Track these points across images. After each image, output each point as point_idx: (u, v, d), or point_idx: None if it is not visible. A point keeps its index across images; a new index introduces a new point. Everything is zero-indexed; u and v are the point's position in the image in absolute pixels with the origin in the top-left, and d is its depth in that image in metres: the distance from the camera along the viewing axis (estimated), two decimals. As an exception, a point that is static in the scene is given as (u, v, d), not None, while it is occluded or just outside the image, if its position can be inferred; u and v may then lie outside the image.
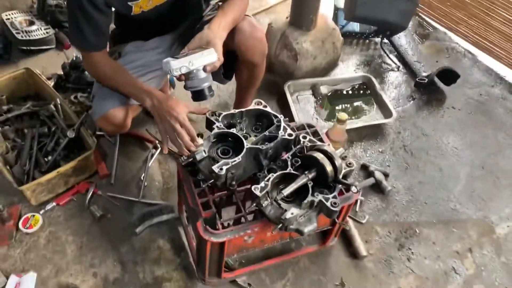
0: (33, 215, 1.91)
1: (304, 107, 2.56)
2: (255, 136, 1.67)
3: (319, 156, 1.52)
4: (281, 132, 1.62)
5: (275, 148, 1.61)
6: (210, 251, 1.58)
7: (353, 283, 1.86)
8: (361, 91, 2.68)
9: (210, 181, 1.54)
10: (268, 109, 1.73)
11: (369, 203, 2.15)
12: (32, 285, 1.73)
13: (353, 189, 1.52)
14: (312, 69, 2.64)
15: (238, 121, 1.70)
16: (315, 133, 1.84)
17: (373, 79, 2.66)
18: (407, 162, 2.34)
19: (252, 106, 1.73)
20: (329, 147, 1.56)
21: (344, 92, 2.68)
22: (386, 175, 2.24)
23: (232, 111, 1.69)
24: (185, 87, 1.53)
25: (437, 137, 2.48)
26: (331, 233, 1.88)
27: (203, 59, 1.44)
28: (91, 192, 2.02)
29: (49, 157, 2.05)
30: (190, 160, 1.58)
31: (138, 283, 1.78)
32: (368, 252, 1.96)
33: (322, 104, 2.60)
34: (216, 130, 1.61)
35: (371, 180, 2.19)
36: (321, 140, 1.81)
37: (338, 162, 1.53)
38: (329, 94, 2.64)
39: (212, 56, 1.45)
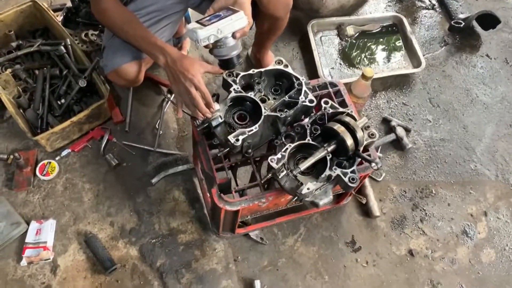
0: (49, 162, 1.92)
1: (327, 50, 2.41)
2: (274, 98, 1.58)
3: (340, 129, 1.43)
4: (301, 98, 1.52)
5: (294, 114, 1.54)
6: (224, 215, 1.60)
7: (364, 242, 1.89)
8: (390, 33, 2.48)
9: (226, 149, 1.50)
10: (289, 69, 1.61)
11: (387, 159, 2.10)
12: (52, 231, 1.79)
13: (374, 165, 1.46)
14: (339, 7, 2.43)
15: (257, 81, 1.59)
16: (338, 93, 1.74)
17: (404, 20, 2.45)
18: (431, 116, 2.24)
19: (272, 65, 1.61)
20: (351, 119, 1.47)
21: (372, 33, 2.48)
22: (407, 131, 2.16)
23: (251, 71, 1.58)
24: (212, 54, 1.41)
25: (466, 89, 2.34)
26: (345, 195, 1.87)
27: (232, 25, 1.28)
28: (105, 140, 2.00)
29: (62, 101, 2.00)
30: (206, 125, 1.52)
31: (154, 234, 1.83)
32: (381, 211, 1.96)
33: (347, 47, 2.43)
34: (233, 94, 1.52)
35: (391, 136, 2.12)
36: (343, 103, 1.72)
37: (359, 134, 1.44)
38: (355, 35, 2.46)
39: (242, 21, 1.30)
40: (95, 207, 1.87)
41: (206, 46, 1.34)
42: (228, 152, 1.52)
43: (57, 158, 1.96)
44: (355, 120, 1.49)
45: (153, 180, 1.91)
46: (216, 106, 1.49)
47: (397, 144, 2.13)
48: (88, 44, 2.14)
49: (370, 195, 1.96)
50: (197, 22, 1.30)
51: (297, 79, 1.57)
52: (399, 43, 2.45)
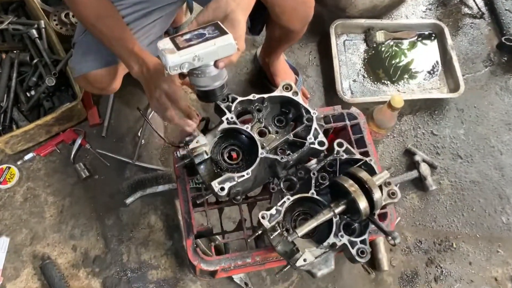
0: (9, 167, 1.67)
1: (350, 58, 2.08)
2: (276, 132, 1.32)
3: (352, 188, 1.17)
4: (310, 138, 1.26)
5: (299, 158, 1.28)
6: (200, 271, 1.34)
7: (365, 298, 1.64)
8: (427, 44, 2.13)
9: (208, 194, 1.26)
10: (299, 98, 1.33)
11: (405, 201, 1.82)
12: (4, 251, 1.57)
13: (390, 240, 1.17)
14: (370, 7, 2.08)
15: (257, 108, 1.32)
16: (356, 127, 1.47)
17: (446, 30, 2.09)
18: (463, 152, 1.93)
19: (279, 91, 1.33)
20: (367, 175, 1.18)
21: (405, 43, 2.13)
22: (433, 167, 1.86)
23: (251, 96, 1.31)
24: (190, 82, 1.12)
25: (508, 123, 2.01)
26: (351, 246, 1.60)
27: (215, 52, 0.98)
28: (77, 145, 1.74)
29: (32, 92, 1.72)
30: (187, 160, 1.23)
31: (122, 266, 1.61)
32: (390, 263, 1.69)
33: (374, 57, 2.09)
34: (224, 125, 1.25)
35: (413, 174, 1.83)
36: (361, 141, 1.45)
37: (376, 196, 1.17)
38: (386, 43, 2.11)
39: (229, 48, 0.98)
40: (57, 226, 1.65)
41: (180, 75, 1.06)
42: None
43: (18, 163, 1.72)
44: (374, 171, 1.26)
45: (128, 200, 1.68)
46: (202, 139, 1.23)
47: (419, 183, 1.85)
48: (68, 26, 1.83)
49: (380, 244, 1.70)
50: (172, 39, 0.99)
51: (307, 111, 1.31)
52: (436, 58, 2.08)
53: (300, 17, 1.38)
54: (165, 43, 0.98)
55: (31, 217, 1.65)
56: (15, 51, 1.73)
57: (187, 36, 0.99)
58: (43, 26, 1.72)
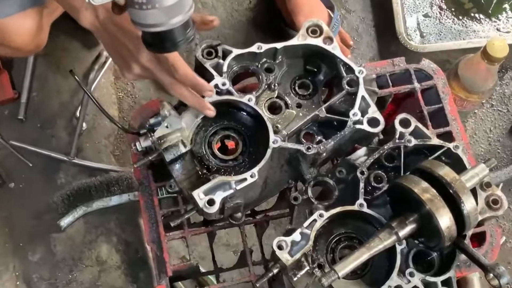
0: None
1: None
2: (298, 105, 1.33)
3: (427, 194, 1.14)
4: (354, 113, 1.25)
5: (338, 145, 1.28)
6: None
7: None
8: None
9: (191, 211, 1.25)
10: (335, 47, 1.32)
11: (511, 209, 1.81)
12: None
13: (491, 279, 1.15)
14: None
15: (266, 66, 1.33)
16: (431, 93, 1.46)
17: None
18: None
19: (301, 36, 1.32)
20: (451, 173, 1.16)
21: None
22: None
23: (255, 48, 1.31)
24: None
25: None
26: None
27: None
28: (-20, 135, 1.74)
29: None
30: (153, 156, 1.23)
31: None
32: (491, 311, 1.67)
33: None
34: (213, 98, 1.25)
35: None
36: (440, 115, 1.44)
37: (467, 206, 1.15)
38: None
39: None
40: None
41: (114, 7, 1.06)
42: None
43: None
44: (463, 165, 1.25)
45: (63, 222, 1.71)
46: (175, 121, 1.24)
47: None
48: None
49: (474, 282, 1.67)
50: None
51: (350, 69, 1.31)
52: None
53: None
54: None
55: None
56: None
57: None
58: None
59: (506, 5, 2.06)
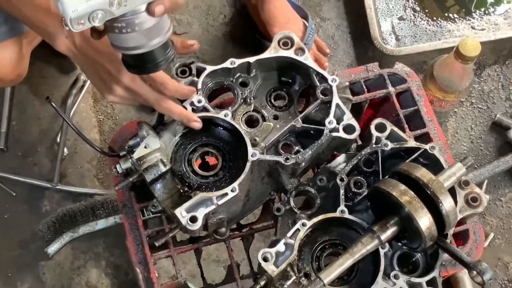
0: None
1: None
2: (275, 117, 1.35)
3: (405, 197, 1.15)
4: (330, 122, 1.27)
5: (315, 154, 1.29)
6: None
7: None
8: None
9: (173, 229, 1.27)
10: (307, 58, 1.33)
11: (498, 205, 1.85)
12: None
13: (474, 276, 1.17)
14: None
15: (241, 81, 1.34)
16: (406, 96, 1.48)
17: None
18: None
19: (273, 49, 1.33)
20: (428, 174, 1.18)
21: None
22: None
23: (228, 63, 1.32)
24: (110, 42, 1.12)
25: None
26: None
27: None
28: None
29: None
30: (134, 178, 1.24)
31: None
32: (482, 305, 1.70)
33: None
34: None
35: (509, 161, 1.85)
36: (417, 117, 1.46)
37: (446, 205, 1.16)
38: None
39: None
40: None
41: (93, 32, 1.06)
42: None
43: None
44: (440, 165, 1.27)
45: (51, 249, 1.72)
46: (153, 141, 1.24)
47: (518, 176, 1.88)
48: None
49: (464, 280, 1.71)
50: None
51: (323, 78, 1.32)
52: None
53: None
54: None
55: None
56: None
57: None
58: None
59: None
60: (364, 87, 1.45)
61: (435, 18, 2.04)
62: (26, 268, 1.70)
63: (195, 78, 1.28)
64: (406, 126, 1.41)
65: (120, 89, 1.22)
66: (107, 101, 1.41)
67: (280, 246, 1.17)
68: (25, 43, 1.47)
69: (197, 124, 1.22)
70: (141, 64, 1.09)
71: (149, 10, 0.99)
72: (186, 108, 1.25)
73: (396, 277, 1.18)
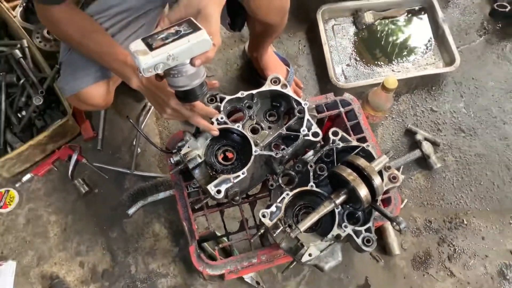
0: (7, 191, 1.66)
1: (341, 42, 2.04)
2: (269, 127, 1.30)
3: (351, 176, 1.14)
4: (303, 130, 1.25)
5: (294, 151, 1.26)
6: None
7: (379, 285, 1.63)
8: (418, 21, 2.09)
9: (206, 198, 1.23)
10: (288, 90, 1.30)
11: (410, 182, 1.79)
12: (12, 275, 1.56)
13: (395, 226, 1.15)
14: (355, -12, 2.04)
15: (248, 105, 1.31)
16: (351, 113, 1.45)
17: (435, 3, 2.05)
18: (465, 126, 1.89)
19: (267, 85, 1.31)
20: (364, 162, 1.16)
21: (395, 21, 2.09)
22: (436, 145, 1.83)
23: (239, 94, 1.29)
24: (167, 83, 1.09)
25: (509, 92, 1.97)
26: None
27: (190, 49, 0.94)
28: (74, 161, 1.72)
29: (23, 113, 1.71)
30: (181, 166, 1.21)
31: (130, 278, 1.60)
32: (402, 246, 1.67)
33: (364, 39, 2.05)
34: (215, 126, 1.23)
35: (416, 153, 1.80)
36: (358, 127, 1.42)
37: (377, 182, 1.16)
38: (375, 23, 2.07)
39: (204, 44, 0.94)
40: (62, 244, 1.64)
41: (157, 77, 1.03)
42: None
43: (17, 185, 1.71)
44: (372, 157, 1.24)
45: (130, 211, 1.67)
46: (193, 143, 1.24)
47: (423, 162, 1.82)
48: (52, 42, 1.81)
49: (389, 229, 1.67)
50: (144, 40, 0.96)
51: (298, 103, 1.29)
52: (428, 33, 2.05)
53: (276, 10, 1.35)
54: (137, 45, 0.95)
55: (35, 238, 1.64)
56: (1, 73, 1.71)
57: (160, 36, 0.95)
58: (26, 45, 1.71)
59: (404, 52, 2.00)
60: (325, 108, 1.42)
61: (369, 65, 1.99)
62: (115, 223, 1.66)
63: (219, 104, 1.25)
64: (351, 132, 1.39)
65: (169, 110, 1.19)
66: (162, 118, 1.39)
67: (273, 208, 1.17)
68: (111, 83, 1.44)
69: (215, 132, 1.19)
70: (187, 96, 1.07)
71: (192, 63, 0.97)
72: (212, 123, 1.21)
73: (345, 227, 1.17)
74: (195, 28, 0.95)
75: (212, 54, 0.98)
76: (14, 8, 1.86)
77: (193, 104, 1.15)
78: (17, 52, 1.68)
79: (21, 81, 1.68)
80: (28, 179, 1.71)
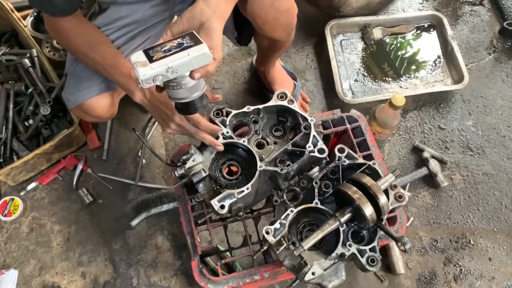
0: (12, 199, 1.67)
1: (349, 58, 2.04)
2: (275, 142, 1.29)
3: (356, 195, 1.13)
4: (309, 146, 1.23)
5: (299, 167, 1.25)
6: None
7: (383, 304, 1.60)
8: (427, 37, 2.09)
9: (210, 212, 1.22)
10: (295, 106, 1.30)
11: (416, 200, 1.77)
12: (13, 284, 1.55)
13: (400, 246, 1.13)
14: (365, 4, 2.05)
15: (254, 119, 1.30)
16: (357, 130, 1.44)
17: (445, 21, 2.05)
18: (473, 145, 1.87)
19: (274, 100, 1.30)
20: (370, 180, 1.15)
21: (404, 37, 2.09)
22: (443, 163, 1.81)
23: (246, 108, 1.29)
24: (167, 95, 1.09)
25: (518, 110, 1.96)
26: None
27: (189, 62, 0.94)
28: (79, 170, 1.73)
29: (30, 121, 1.72)
30: (185, 180, 1.21)
31: (131, 290, 1.58)
32: (407, 265, 1.65)
33: (373, 55, 2.05)
34: (220, 141, 1.22)
35: (423, 171, 1.78)
36: (364, 144, 1.40)
37: (382, 200, 1.14)
38: (384, 39, 2.07)
39: (204, 57, 0.93)
40: (64, 254, 1.64)
41: (157, 88, 1.02)
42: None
43: (22, 193, 1.72)
44: (378, 175, 1.22)
45: (133, 223, 1.67)
46: (198, 157, 1.23)
47: (430, 180, 1.80)
48: (61, 52, 1.83)
49: (394, 248, 1.65)
50: (145, 52, 0.96)
51: (304, 119, 1.28)
52: (437, 50, 2.04)
53: (283, 26, 1.35)
54: (138, 56, 0.95)
55: (38, 247, 1.64)
56: (10, 82, 1.74)
57: (161, 48, 0.96)
58: (35, 54, 1.73)
59: (413, 66, 1.99)
60: (331, 124, 1.42)
61: (377, 80, 1.98)
62: (118, 234, 1.66)
63: (225, 117, 1.24)
64: (357, 149, 1.38)
65: (173, 125, 1.20)
66: (165, 132, 1.37)
67: (277, 225, 1.15)
68: (115, 95, 1.44)
69: (220, 148, 1.18)
70: (186, 108, 1.06)
71: (191, 75, 0.96)
72: (218, 138, 1.20)
73: (350, 245, 1.15)
74: (196, 42, 0.95)
75: (212, 68, 0.97)
76: (25, 17, 1.88)
77: (198, 121, 1.15)
78: (26, 61, 1.70)
79: (30, 90, 1.70)
80: (33, 187, 1.72)
